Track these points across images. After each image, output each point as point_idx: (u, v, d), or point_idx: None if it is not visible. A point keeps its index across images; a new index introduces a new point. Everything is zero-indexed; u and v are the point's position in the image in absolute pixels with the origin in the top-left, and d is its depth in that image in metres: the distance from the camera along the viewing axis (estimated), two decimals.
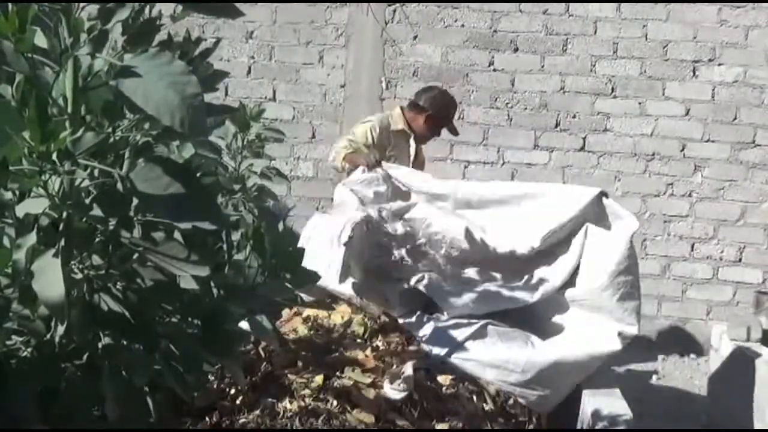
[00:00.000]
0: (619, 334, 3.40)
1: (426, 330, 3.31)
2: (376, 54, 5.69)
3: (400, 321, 3.33)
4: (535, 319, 3.54)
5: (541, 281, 3.57)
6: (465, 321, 3.35)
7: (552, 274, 3.59)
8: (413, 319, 3.34)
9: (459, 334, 3.30)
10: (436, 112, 4.41)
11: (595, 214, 3.63)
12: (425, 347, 3.25)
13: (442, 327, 3.33)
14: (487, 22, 5.60)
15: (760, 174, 5.52)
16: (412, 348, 3.21)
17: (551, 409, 3.36)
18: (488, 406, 3.12)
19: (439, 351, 3.24)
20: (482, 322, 3.34)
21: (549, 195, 3.79)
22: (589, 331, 3.42)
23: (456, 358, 3.23)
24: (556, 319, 3.55)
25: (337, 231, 3.36)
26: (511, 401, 3.24)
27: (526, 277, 3.61)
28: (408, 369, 2.88)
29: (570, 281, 3.58)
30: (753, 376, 4.30)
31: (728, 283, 5.60)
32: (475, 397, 3.11)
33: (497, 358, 3.25)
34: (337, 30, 5.70)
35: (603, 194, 3.67)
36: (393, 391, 2.77)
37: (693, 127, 5.54)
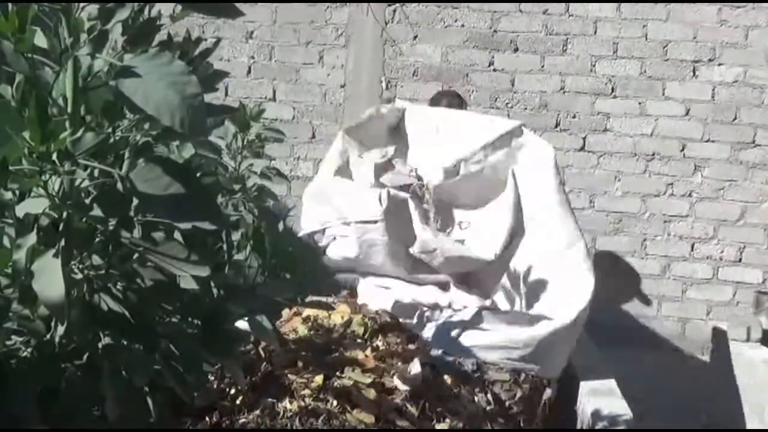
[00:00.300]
0: (578, 260, 3.51)
1: (423, 321, 3.43)
2: (376, 54, 5.68)
3: (397, 314, 3.41)
4: (513, 291, 3.64)
5: (491, 232, 3.70)
6: (459, 308, 3.46)
7: (496, 224, 3.70)
8: (410, 311, 3.42)
9: (457, 323, 3.40)
10: None
11: (513, 145, 3.75)
12: (425, 337, 3.33)
13: (439, 317, 3.44)
14: (487, 22, 5.60)
15: (760, 174, 5.51)
16: (411, 347, 3.21)
17: (560, 373, 3.48)
18: (489, 407, 3.13)
19: (441, 341, 3.33)
20: (475, 308, 3.45)
21: (468, 124, 3.96)
22: (563, 285, 3.50)
23: (459, 346, 3.33)
24: (534, 283, 3.62)
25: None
26: (510, 402, 3.26)
27: (477, 231, 3.75)
28: (416, 362, 2.93)
29: (521, 232, 3.69)
30: (753, 376, 4.31)
31: (728, 283, 5.60)
32: (476, 398, 3.11)
33: (499, 340, 3.35)
34: (337, 30, 5.69)
35: (522, 126, 3.83)
36: (402, 384, 2.82)
37: (693, 127, 5.54)
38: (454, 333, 3.37)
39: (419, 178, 3.84)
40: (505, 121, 4.08)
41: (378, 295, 3.56)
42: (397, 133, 4.14)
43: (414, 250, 3.61)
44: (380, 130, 4.10)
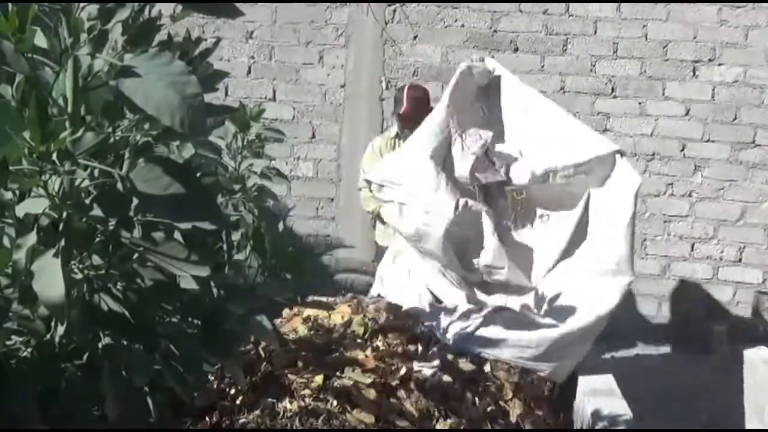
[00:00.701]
0: (618, 286, 3.56)
1: (440, 320, 3.47)
2: (376, 54, 5.68)
3: (411, 309, 3.48)
4: (544, 297, 3.67)
5: (544, 250, 3.77)
6: (475, 308, 3.52)
7: (552, 240, 3.77)
8: (427, 310, 3.52)
9: (472, 322, 3.48)
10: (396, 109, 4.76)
11: (604, 170, 3.76)
12: (442, 336, 3.39)
13: (455, 316, 3.49)
14: (487, 22, 5.60)
15: (760, 174, 5.51)
16: (412, 347, 3.21)
17: (567, 377, 3.56)
18: (491, 407, 3.14)
19: (455, 340, 3.40)
20: (490, 308, 3.53)
21: (563, 126, 3.94)
22: (590, 292, 3.54)
23: (472, 345, 3.41)
24: (565, 294, 3.64)
25: None
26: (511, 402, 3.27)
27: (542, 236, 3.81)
28: (435, 353, 3.10)
29: (578, 239, 3.74)
30: (753, 376, 4.31)
31: (728, 283, 5.60)
32: (477, 399, 3.12)
33: (511, 339, 3.45)
34: (337, 30, 5.69)
35: (619, 153, 3.82)
36: (424, 368, 2.89)
37: (693, 127, 5.54)
38: (468, 333, 3.45)
39: (507, 175, 3.84)
40: (605, 142, 4.00)
41: (405, 288, 3.65)
42: (484, 93, 4.08)
43: (482, 261, 3.64)
44: (470, 89, 4.02)
